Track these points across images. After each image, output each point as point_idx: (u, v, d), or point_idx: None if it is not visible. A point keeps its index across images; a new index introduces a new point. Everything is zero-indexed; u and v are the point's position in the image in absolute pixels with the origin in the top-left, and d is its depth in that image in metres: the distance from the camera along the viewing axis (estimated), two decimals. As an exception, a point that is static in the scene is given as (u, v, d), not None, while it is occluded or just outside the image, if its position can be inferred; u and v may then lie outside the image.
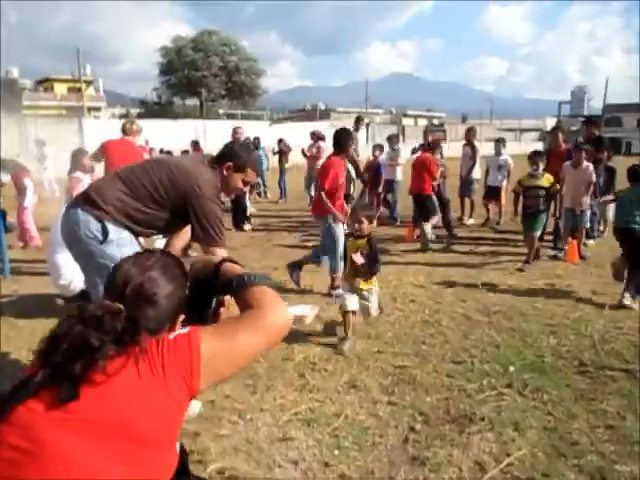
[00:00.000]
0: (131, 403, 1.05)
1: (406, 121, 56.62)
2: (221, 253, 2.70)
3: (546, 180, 5.94)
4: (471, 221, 8.94)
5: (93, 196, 2.61)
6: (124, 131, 6.26)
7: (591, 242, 7.07)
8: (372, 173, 8.72)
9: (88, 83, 48.02)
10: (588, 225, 6.26)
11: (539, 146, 26.42)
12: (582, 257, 6.15)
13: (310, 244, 7.34)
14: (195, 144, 12.29)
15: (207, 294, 1.40)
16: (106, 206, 2.58)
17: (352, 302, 3.66)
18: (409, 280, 5.42)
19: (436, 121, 60.54)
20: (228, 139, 15.69)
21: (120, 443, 1.01)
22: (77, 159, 6.37)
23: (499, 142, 8.98)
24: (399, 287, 5.17)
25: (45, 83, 49.35)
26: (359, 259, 3.59)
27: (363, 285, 3.71)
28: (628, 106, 60.02)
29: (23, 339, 3.81)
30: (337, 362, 3.50)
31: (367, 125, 34.51)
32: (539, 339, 3.86)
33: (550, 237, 6.99)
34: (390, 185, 9.05)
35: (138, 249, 2.69)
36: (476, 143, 8.78)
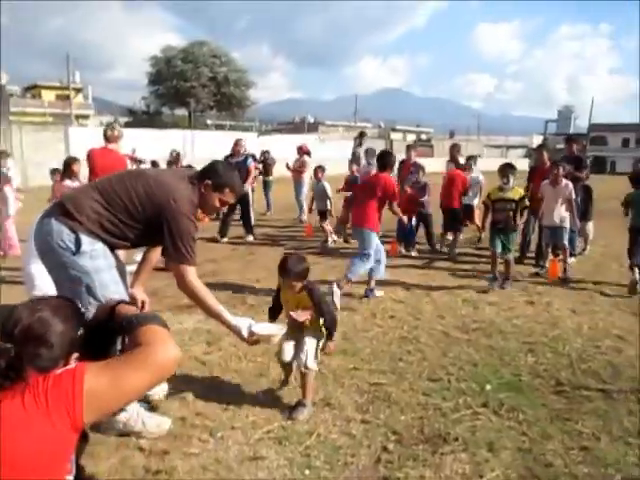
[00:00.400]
0: (12, 430, 1.15)
1: (395, 135, 57.02)
2: (193, 273, 2.66)
3: (515, 193, 5.77)
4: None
5: (67, 206, 2.56)
6: (106, 138, 6.20)
7: (573, 260, 7.11)
8: (349, 188, 8.69)
9: (77, 90, 47.85)
10: (567, 243, 6.27)
11: (525, 163, 26.74)
12: (565, 279, 6.11)
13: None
14: (176, 155, 12.24)
15: (107, 334, 1.53)
16: (80, 216, 2.53)
17: (288, 352, 3.07)
18: (389, 295, 5.40)
19: (424, 136, 61.16)
20: (215, 150, 15.71)
21: None
22: (68, 167, 6.33)
23: (470, 160, 8.83)
24: (379, 303, 5.15)
25: (33, 90, 49.07)
26: (301, 316, 2.98)
27: (306, 328, 3.05)
28: (613, 126, 61.23)
29: None
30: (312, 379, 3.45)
31: (354, 139, 34.71)
32: (517, 357, 3.84)
33: (531, 254, 7.04)
34: None
35: (112, 262, 2.65)
36: (460, 159, 8.82)
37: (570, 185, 6.19)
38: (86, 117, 45.12)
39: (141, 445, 2.65)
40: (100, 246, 2.57)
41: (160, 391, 3.08)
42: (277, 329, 2.78)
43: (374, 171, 8.95)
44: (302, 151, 11.54)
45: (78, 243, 2.50)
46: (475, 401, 3.15)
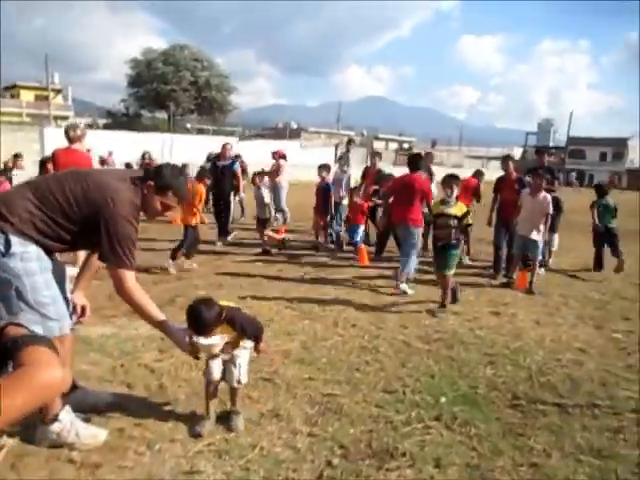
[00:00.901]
0: None
1: (377, 144, 57.32)
2: (132, 279, 2.54)
3: (458, 209, 5.21)
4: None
5: None
6: (69, 138, 6.05)
7: (542, 271, 7.12)
8: (320, 195, 8.61)
9: (57, 91, 47.14)
10: (539, 258, 6.26)
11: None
12: (532, 291, 6.08)
13: (259, 262, 7.21)
14: (143, 157, 12.11)
15: None
16: (11, 217, 2.39)
17: (216, 369, 2.86)
18: (355, 303, 5.32)
19: (406, 145, 61.55)
20: (194, 153, 15.46)
21: None
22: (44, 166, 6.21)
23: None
24: (342, 311, 5.05)
25: (12, 89, 48.23)
26: (228, 349, 2.77)
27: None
28: (591, 140, 62.27)
29: None
30: (264, 388, 3.34)
31: (336, 146, 34.91)
32: (476, 369, 3.78)
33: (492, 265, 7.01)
34: (336, 208, 8.76)
35: (47, 265, 2.51)
36: (433, 168, 8.78)
37: (549, 198, 6.19)
38: (65, 118, 44.44)
39: (73, 457, 2.51)
40: (33, 248, 2.44)
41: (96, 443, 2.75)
42: (218, 339, 2.66)
43: (351, 179, 8.90)
44: (277, 155, 11.45)
45: (8, 244, 2.36)
46: (428, 414, 3.07)
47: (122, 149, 19.07)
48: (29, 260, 2.41)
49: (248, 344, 2.88)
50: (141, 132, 27.84)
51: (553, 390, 3.49)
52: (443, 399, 3.26)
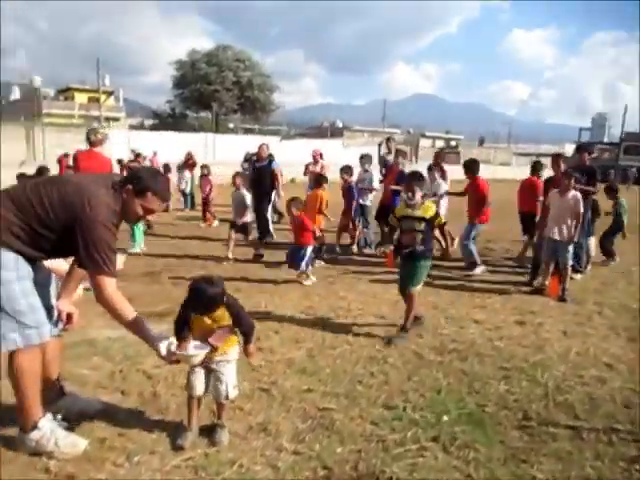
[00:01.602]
0: None
1: (424, 142, 56.50)
2: (110, 284, 2.48)
3: (426, 210, 4.38)
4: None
5: None
6: (90, 142, 6.16)
7: (579, 276, 6.72)
8: (345, 197, 8.43)
9: (109, 93, 48.71)
10: (570, 263, 5.88)
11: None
12: (564, 299, 5.73)
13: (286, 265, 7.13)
14: (137, 155, 12.33)
15: None
16: None
17: (199, 384, 2.73)
18: (372, 310, 5.14)
19: (454, 143, 60.38)
20: (235, 153, 15.59)
21: None
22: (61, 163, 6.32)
23: (432, 170, 8.13)
24: (357, 318, 4.89)
25: (66, 92, 50.15)
26: (220, 340, 2.66)
27: (219, 351, 2.70)
28: (647, 135, 58.92)
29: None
30: (259, 399, 3.24)
31: (379, 145, 34.34)
32: (488, 385, 3.54)
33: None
34: (362, 210, 8.61)
35: (25, 273, 2.48)
36: (445, 166, 8.46)
37: (579, 196, 5.80)
38: (116, 119, 45.83)
39: (49, 467, 2.48)
40: (11, 256, 2.41)
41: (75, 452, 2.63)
42: (199, 349, 2.57)
43: (375, 178, 8.67)
44: (318, 155, 11.37)
45: (-19, 251, 2.34)
46: (426, 434, 2.88)
47: (166, 149, 19.38)
48: (6, 269, 2.38)
49: (233, 355, 2.78)
50: (185, 132, 28.32)
51: (569, 410, 3.22)
52: (445, 418, 3.06)
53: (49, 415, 2.65)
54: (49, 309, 2.65)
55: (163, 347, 2.49)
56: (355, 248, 8.45)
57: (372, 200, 8.75)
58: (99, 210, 2.43)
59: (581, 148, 7.14)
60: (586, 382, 3.64)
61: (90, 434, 2.74)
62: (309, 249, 6.21)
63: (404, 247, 4.45)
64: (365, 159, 8.80)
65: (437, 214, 4.44)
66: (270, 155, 9.01)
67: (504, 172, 34.90)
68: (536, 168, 7.83)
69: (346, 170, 8.38)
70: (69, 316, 2.78)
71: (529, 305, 5.50)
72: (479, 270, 7.00)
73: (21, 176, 7.40)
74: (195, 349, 2.54)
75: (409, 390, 3.42)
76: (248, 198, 7.65)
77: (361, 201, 8.51)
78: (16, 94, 50.24)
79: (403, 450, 2.71)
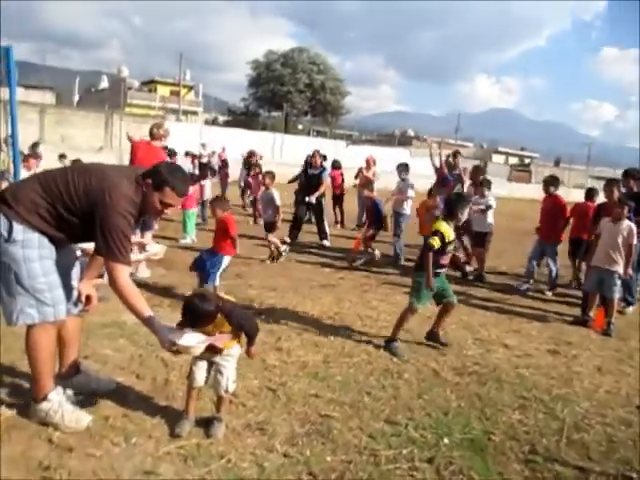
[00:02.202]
0: None
1: (497, 158, 55.07)
2: (122, 271, 2.60)
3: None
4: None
5: (7, 195, 2.61)
6: (151, 135, 6.42)
7: (630, 309, 6.36)
8: (369, 212, 8.34)
9: (189, 88, 50.61)
10: (617, 296, 5.56)
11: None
12: (608, 333, 5.43)
13: (326, 268, 7.16)
14: (193, 156, 12.91)
15: None
16: (16, 206, 2.56)
17: (200, 376, 2.82)
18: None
19: (527, 160, 58.35)
20: (302, 154, 15.97)
21: None
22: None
23: (482, 185, 7.87)
24: (383, 329, 4.84)
25: (150, 84, 52.55)
26: (221, 342, 2.71)
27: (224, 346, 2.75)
28: None
29: None
30: (263, 398, 3.28)
31: (447, 157, 33.71)
32: (500, 412, 3.42)
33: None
34: (397, 218, 8.49)
35: (48, 253, 2.65)
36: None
37: (633, 227, 5.51)
38: (194, 113, 47.53)
39: (52, 438, 2.63)
40: (35, 236, 2.58)
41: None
42: (200, 341, 2.64)
43: (409, 188, 8.48)
44: (371, 161, 11.39)
45: (11, 231, 2.53)
46: (421, 454, 2.82)
47: (236, 146, 19.87)
48: (29, 247, 2.56)
49: (235, 351, 2.85)
50: (256, 130, 28.99)
51: (582, 450, 3.05)
52: (446, 440, 2.98)
53: (59, 389, 2.81)
54: (70, 290, 2.82)
55: (166, 337, 2.59)
56: (377, 253, 8.22)
57: (407, 209, 8.60)
58: (118, 200, 2.56)
59: (628, 173, 6.73)
60: (608, 423, 3.44)
61: (96, 411, 2.88)
62: (225, 259, 5.30)
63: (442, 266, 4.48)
64: (402, 167, 8.73)
65: (434, 232, 4.33)
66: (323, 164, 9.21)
67: (578, 195, 33.43)
68: (590, 194, 7.50)
69: (368, 186, 8.51)
70: (88, 298, 2.94)
71: (568, 335, 5.25)
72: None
73: (61, 157, 7.96)
74: (194, 341, 2.61)
75: (416, 408, 3.36)
76: (277, 197, 7.58)
77: (398, 210, 8.44)
78: (105, 83, 53.08)
79: (393, 467, 2.68)
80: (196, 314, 2.57)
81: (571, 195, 32.84)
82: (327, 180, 9.26)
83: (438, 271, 4.41)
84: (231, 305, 2.78)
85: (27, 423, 2.73)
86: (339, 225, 12.03)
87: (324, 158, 14.41)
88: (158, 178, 2.65)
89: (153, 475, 2.43)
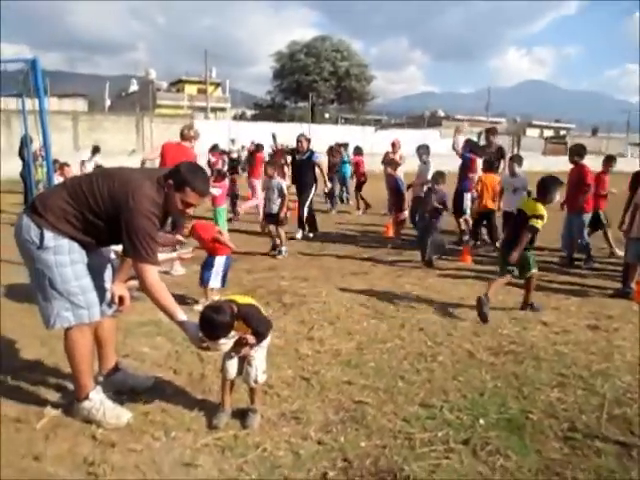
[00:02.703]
0: None
1: (531, 132, 53.67)
2: (150, 271, 2.66)
3: (527, 206, 4.80)
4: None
5: (36, 203, 2.71)
6: (182, 136, 6.54)
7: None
8: (392, 192, 8.22)
9: (216, 85, 50.98)
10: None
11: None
12: None
13: (356, 258, 7.15)
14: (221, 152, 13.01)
15: None
16: (45, 214, 2.66)
17: (231, 368, 2.89)
18: (433, 306, 5.03)
19: (563, 132, 56.67)
20: (331, 142, 15.94)
21: None
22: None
23: (513, 160, 7.58)
24: (416, 313, 4.82)
25: (178, 84, 53.21)
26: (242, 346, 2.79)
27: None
28: None
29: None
30: (297, 388, 3.33)
31: (479, 135, 33.05)
32: (538, 391, 3.36)
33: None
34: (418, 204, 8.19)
35: (78, 257, 2.74)
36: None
37: None
38: (222, 110, 47.92)
39: (96, 434, 2.74)
40: (65, 242, 2.67)
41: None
42: (229, 337, 2.69)
43: (429, 169, 8.29)
44: (398, 145, 11.26)
45: (42, 238, 2.63)
46: (457, 436, 2.81)
47: (263, 139, 19.95)
48: (61, 253, 2.66)
49: (264, 342, 2.89)
50: (283, 122, 29.03)
51: (624, 425, 2.98)
52: (481, 421, 2.96)
53: (99, 387, 2.92)
54: (103, 292, 2.92)
55: (196, 333, 2.65)
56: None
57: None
58: (141, 202, 2.62)
59: None
60: (654, 396, 3.35)
61: (136, 408, 2.98)
62: (217, 260, 4.81)
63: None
64: (422, 150, 8.50)
65: (536, 216, 4.63)
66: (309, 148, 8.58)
67: (617, 164, 32.17)
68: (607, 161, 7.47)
69: (389, 163, 8.33)
70: (121, 299, 3.03)
71: (608, 309, 5.11)
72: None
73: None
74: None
75: (451, 390, 3.35)
76: (284, 186, 7.34)
77: (419, 194, 8.28)
78: (134, 86, 54.02)
79: (428, 450, 2.68)
80: (213, 326, 2.60)
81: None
82: (319, 160, 8.66)
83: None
84: (246, 308, 2.78)
85: (71, 421, 2.85)
86: (361, 211, 12.03)
87: (344, 147, 14.30)
88: (179, 178, 2.70)
89: (192, 467, 2.50)
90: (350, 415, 3.01)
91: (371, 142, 25.66)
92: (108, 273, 3.02)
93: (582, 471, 2.56)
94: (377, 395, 3.26)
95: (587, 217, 7.00)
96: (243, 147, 19.32)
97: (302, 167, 8.49)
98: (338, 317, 4.66)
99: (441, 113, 59.05)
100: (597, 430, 2.93)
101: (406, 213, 8.22)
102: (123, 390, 3.14)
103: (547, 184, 4.70)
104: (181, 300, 4.84)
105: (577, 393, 3.36)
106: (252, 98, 65.88)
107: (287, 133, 23.44)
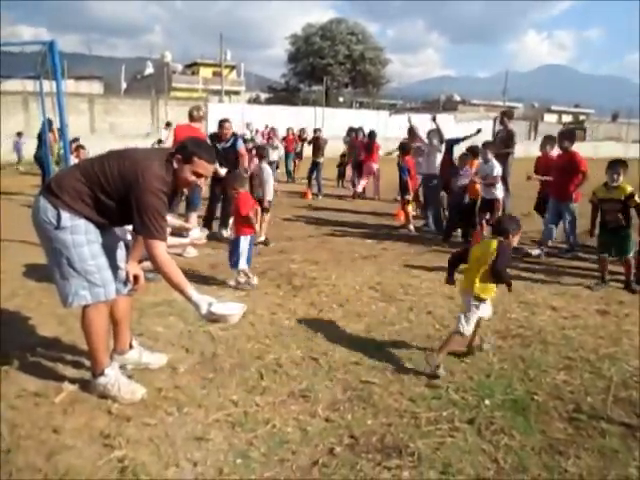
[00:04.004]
0: None
1: (549, 117, 52.82)
2: (160, 247, 2.74)
3: (620, 192, 5.21)
4: None
5: (52, 184, 2.79)
6: (191, 117, 6.61)
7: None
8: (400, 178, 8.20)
9: (232, 68, 50.79)
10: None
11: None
12: None
13: (369, 240, 7.19)
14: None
15: None
16: (61, 194, 2.73)
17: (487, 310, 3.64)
18: (442, 290, 5.05)
19: (583, 117, 55.67)
20: (345, 126, 15.84)
21: None
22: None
23: (485, 147, 7.15)
24: (425, 297, 4.86)
25: (193, 67, 53.11)
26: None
27: (478, 291, 3.44)
28: None
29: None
30: (306, 368, 3.40)
31: (494, 120, 32.71)
32: (545, 373, 3.40)
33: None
34: (430, 189, 8.29)
35: (94, 237, 2.82)
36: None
37: None
38: (237, 93, 47.77)
39: (111, 409, 2.84)
40: (81, 222, 2.75)
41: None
42: (237, 309, 2.78)
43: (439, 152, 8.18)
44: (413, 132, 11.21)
45: (59, 219, 2.70)
46: (462, 415, 2.87)
47: (277, 122, 19.95)
48: (77, 233, 2.73)
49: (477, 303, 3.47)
50: (297, 106, 28.91)
51: (629, 408, 3.01)
52: (487, 402, 3.01)
53: (115, 364, 3.02)
54: (117, 270, 3.00)
55: (204, 307, 2.73)
56: (412, 227, 8.19)
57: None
58: (150, 180, 2.69)
59: None
60: (659, 380, 3.37)
61: (150, 384, 3.07)
62: (243, 241, 4.97)
63: (607, 224, 5.34)
64: (432, 134, 8.29)
65: (631, 194, 5.15)
66: (234, 134, 7.35)
67: (637, 150, 31.48)
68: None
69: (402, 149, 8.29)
70: (136, 278, 3.11)
71: (619, 295, 5.11)
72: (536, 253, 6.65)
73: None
74: (231, 310, 2.76)
75: (458, 371, 3.40)
76: (267, 172, 6.98)
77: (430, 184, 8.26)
78: (150, 69, 53.99)
79: (434, 428, 2.74)
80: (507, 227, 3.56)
81: (630, 151, 31.02)
82: (242, 149, 7.24)
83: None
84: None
85: (88, 397, 2.95)
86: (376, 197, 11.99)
87: (356, 131, 14.14)
88: (186, 151, 2.79)
89: (204, 441, 2.59)
90: (357, 394, 3.08)
91: (386, 126, 25.51)
92: (121, 253, 3.09)
93: (585, 450, 2.60)
94: (384, 375, 3.32)
95: (576, 207, 6.64)
96: (257, 131, 19.30)
97: (229, 156, 7.14)
98: (347, 300, 4.72)
99: (457, 97, 58.26)
100: (602, 412, 2.96)
101: (408, 197, 8.19)
102: (137, 367, 3.23)
103: (625, 165, 5.30)
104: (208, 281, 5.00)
105: (583, 376, 3.39)
106: (266, 81, 65.54)
107: (300, 116, 23.43)
